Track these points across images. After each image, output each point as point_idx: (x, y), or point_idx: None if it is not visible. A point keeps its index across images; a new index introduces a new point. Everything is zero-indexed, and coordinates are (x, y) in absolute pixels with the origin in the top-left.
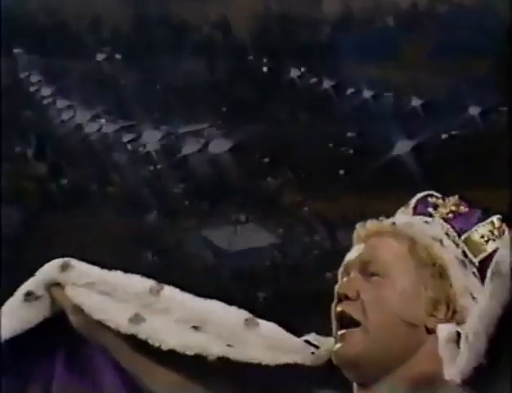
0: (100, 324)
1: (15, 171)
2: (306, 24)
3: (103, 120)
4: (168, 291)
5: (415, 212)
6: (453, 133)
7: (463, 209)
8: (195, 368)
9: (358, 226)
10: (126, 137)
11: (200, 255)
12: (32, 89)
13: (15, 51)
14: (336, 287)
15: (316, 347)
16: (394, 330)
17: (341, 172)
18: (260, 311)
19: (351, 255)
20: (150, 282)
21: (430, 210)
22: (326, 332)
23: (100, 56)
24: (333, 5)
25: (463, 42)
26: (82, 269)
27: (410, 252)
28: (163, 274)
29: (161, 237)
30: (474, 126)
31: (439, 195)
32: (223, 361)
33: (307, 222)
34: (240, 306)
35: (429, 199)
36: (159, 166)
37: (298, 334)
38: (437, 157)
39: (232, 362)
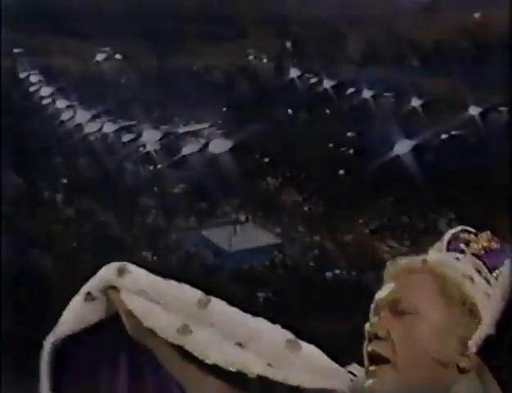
0: (150, 331)
1: (45, 216)
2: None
3: (103, 120)
4: (216, 304)
5: (449, 248)
6: (453, 133)
7: (494, 245)
8: (238, 381)
9: (389, 264)
10: (126, 137)
11: (200, 255)
12: (32, 89)
13: (15, 51)
14: (366, 326)
15: (355, 375)
16: (424, 368)
17: (341, 172)
18: (260, 311)
19: (381, 294)
20: (198, 294)
21: (462, 245)
22: (325, 333)
23: (100, 56)
24: (357, 45)
25: (482, 77)
26: (137, 275)
27: (440, 290)
28: (163, 274)
29: (161, 237)
30: (474, 126)
31: (472, 230)
32: (263, 379)
33: (307, 222)
34: (240, 306)
35: (462, 235)
36: (159, 166)
37: (300, 335)
38: (437, 157)
39: (272, 381)
